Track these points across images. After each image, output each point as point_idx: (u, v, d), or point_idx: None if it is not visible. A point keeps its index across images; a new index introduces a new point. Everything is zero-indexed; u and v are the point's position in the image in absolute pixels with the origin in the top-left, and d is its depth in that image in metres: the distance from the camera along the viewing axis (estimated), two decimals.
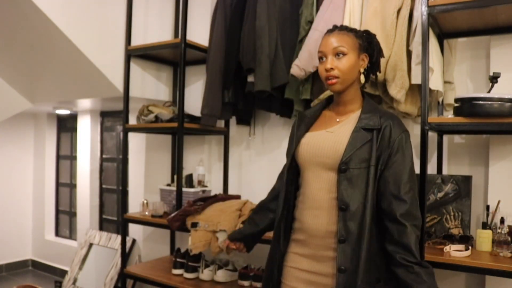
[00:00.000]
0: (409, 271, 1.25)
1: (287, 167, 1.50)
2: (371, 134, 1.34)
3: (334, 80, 1.38)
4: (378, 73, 1.52)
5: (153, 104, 2.65)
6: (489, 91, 1.66)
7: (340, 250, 1.30)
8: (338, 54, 1.38)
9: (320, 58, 1.43)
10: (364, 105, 1.44)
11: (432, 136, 1.98)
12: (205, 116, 2.45)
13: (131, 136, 3.11)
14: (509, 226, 1.72)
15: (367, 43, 1.45)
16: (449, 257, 1.63)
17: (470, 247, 1.67)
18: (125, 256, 2.77)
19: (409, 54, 1.90)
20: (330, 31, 1.45)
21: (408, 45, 1.90)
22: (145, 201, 2.70)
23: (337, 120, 1.45)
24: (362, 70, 1.43)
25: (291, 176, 1.49)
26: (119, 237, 3.47)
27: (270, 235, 1.58)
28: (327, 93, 1.95)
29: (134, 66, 2.77)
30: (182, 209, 2.29)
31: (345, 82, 1.40)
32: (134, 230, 3.33)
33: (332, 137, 1.40)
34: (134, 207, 3.30)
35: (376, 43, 1.47)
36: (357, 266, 1.28)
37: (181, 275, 2.44)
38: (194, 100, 2.84)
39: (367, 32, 1.47)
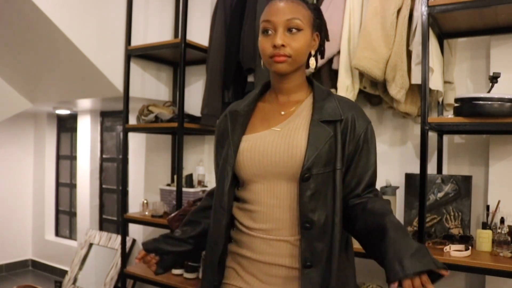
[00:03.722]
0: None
1: (227, 185, 1.13)
2: (332, 127, 1.07)
3: (283, 58, 1.07)
4: (318, 62, 1.21)
5: (153, 104, 2.65)
6: (489, 91, 1.66)
7: (304, 277, 1.03)
8: (291, 28, 1.07)
9: (265, 31, 1.09)
10: (316, 92, 1.14)
11: (432, 136, 1.98)
12: (205, 116, 2.45)
13: (131, 136, 3.11)
14: (509, 226, 1.72)
15: (319, 20, 1.16)
16: (449, 257, 1.63)
17: (470, 247, 1.67)
18: (125, 256, 2.77)
19: (409, 54, 1.90)
20: None
21: (408, 45, 1.90)
22: (145, 201, 2.70)
23: (282, 113, 1.14)
24: (313, 53, 1.16)
25: (230, 196, 1.14)
26: (119, 237, 3.47)
27: None
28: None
29: (134, 66, 2.76)
30: (182, 209, 2.29)
31: (295, 63, 1.10)
32: (134, 230, 3.32)
33: (283, 137, 1.09)
34: (134, 207, 3.30)
35: (324, 21, 1.19)
36: None
37: (181, 275, 2.44)
38: (194, 100, 2.84)
39: (316, 6, 1.18)
